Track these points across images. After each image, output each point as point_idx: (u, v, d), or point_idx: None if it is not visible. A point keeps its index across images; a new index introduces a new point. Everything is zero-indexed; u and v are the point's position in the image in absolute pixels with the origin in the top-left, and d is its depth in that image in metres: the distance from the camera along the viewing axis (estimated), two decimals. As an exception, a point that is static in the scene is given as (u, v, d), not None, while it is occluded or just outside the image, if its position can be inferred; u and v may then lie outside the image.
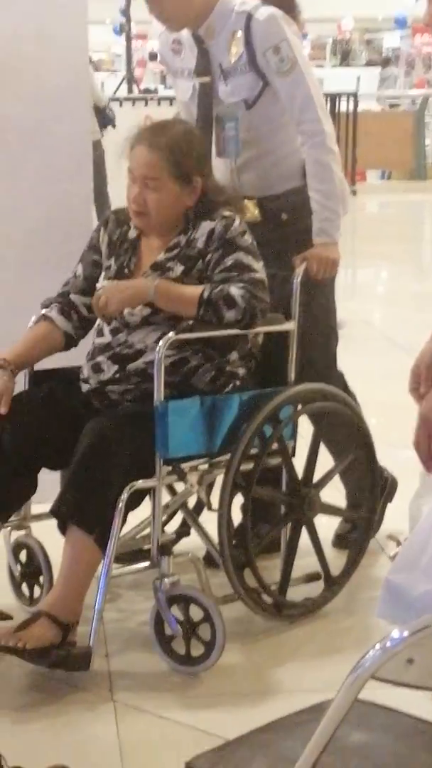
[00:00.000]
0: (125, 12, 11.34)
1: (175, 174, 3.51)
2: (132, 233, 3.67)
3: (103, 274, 3.65)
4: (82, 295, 3.68)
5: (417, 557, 2.70)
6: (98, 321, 3.63)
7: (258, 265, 3.57)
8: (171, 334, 3.40)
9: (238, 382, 3.60)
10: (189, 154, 3.56)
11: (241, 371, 3.61)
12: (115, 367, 3.50)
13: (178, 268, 3.53)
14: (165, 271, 3.54)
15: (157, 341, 3.40)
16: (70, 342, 3.71)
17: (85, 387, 3.55)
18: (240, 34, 3.86)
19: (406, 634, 1.76)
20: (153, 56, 13.05)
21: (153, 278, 3.51)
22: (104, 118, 9.99)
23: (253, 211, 3.99)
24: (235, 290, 3.46)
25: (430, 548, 2.68)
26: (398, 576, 2.72)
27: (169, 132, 3.58)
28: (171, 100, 8.41)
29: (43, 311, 3.64)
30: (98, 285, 3.63)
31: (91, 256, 3.72)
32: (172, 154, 3.51)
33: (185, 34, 4.01)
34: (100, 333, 3.60)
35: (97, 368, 3.54)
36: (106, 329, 3.58)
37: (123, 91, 11.03)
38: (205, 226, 3.56)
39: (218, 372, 3.56)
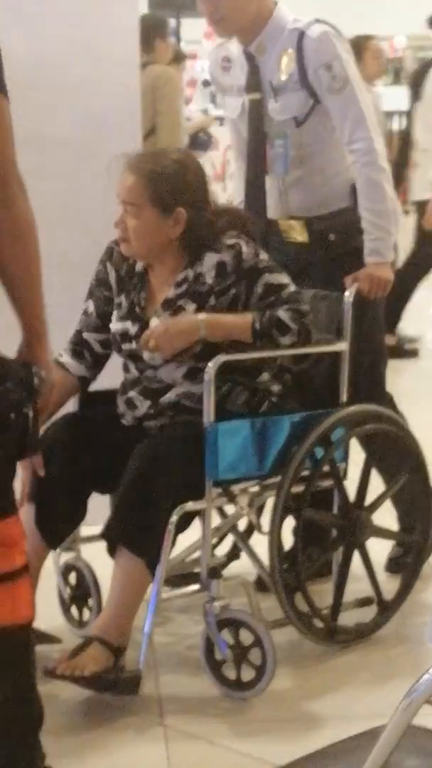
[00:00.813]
0: (176, 32, 11.38)
1: (154, 202, 3.46)
2: (139, 266, 3.63)
3: (115, 312, 3.62)
4: (95, 333, 3.66)
5: None
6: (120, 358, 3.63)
7: (285, 277, 3.57)
8: (221, 355, 3.38)
9: (274, 399, 3.59)
10: (173, 183, 3.49)
11: (276, 388, 3.60)
12: (148, 402, 3.50)
13: (190, 307, 3.50)
14: (177, 309, 3.51)
15: (185, 375, 3.45)
16: (85, 384, 3.70)
17: (123, 421, 3.57)
18: (292, 51, 3.86)
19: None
20: (206, 83, 13.11)
21: (198, 313, 3.48)
22: (195, 142, 9.93)
23: (299, 231, 3.99)
24: (283, 314, 3.45)
25: None
26: None
27: (157, 159, 3.54)
28: (221, 119, 8.40)
29: (56, 356, 3.57)
30: (114, 325, 3.60)
31: (102, 292, 3.68)
32: (152, 181, 3.45)
33: (235, 51, 4.02)
34: (126, 368, 3.60)
35: (130, 404, 3.54)
36: (132, 365, 3.58)
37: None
38: (211, 258, 3.51)
39: (252, 393, 3.55)
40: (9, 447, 2.42)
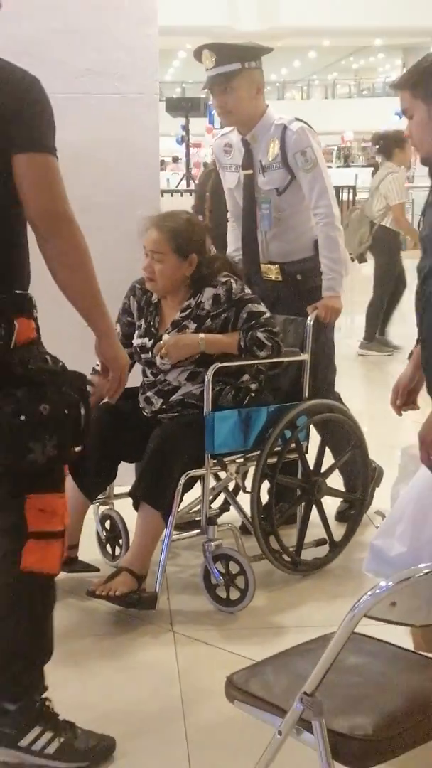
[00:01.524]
0: (185, 127, 11.39)
1: (175, 250, 3.48)
2: (154, 298, 3.62)
3: (136, 332, 3.63)
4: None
5: (393, 527, 2.68)
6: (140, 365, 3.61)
7: (262, 306, 3.57)
8: (216, 363, 3.40)
9: (253, 394, 3.59)
10: (188, 237, 3.50)
11: (254, 386, 3.60)
12: (161, 401, 3.50)
13: (192, 326, 3.51)
14: (182, 328, 3.52)
15: (188, 378, 3.46)
16: None
17: (144, 413, 3.56)
18: (277, 140, 3.88)
19: (390, 583, 1.76)
20: (205, 164, 13.06)
21: (199, 335, 3.48)
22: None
23: (275, 273, 4.01)
24: (260, 334, 3.47)
25: (403, 521, 2.66)
26: (380, 541, 2.70)
27: (175, 219, 3.53)
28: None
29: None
30: (136, 341, 3.60)
31: (126, 318, 3.67)
32: (173, 235, 3.47)
33: (235, 139, 4.03)
34: (144, 374, 3.59)
35: (148, 401, 3.54)
36: (148, 371, 3.58)
37: (183, 185, 11.03)
38: (209, 291, 3.52)
39: (236, 391, 3.54)
40: (63, 436, 2.34)
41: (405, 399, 2.84)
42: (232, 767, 2.42)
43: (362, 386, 7.12)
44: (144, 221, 3.53)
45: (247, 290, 3.59)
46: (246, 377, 3.56)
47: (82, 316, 2.43)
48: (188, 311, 3.53)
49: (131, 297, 3.68)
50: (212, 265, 3.59)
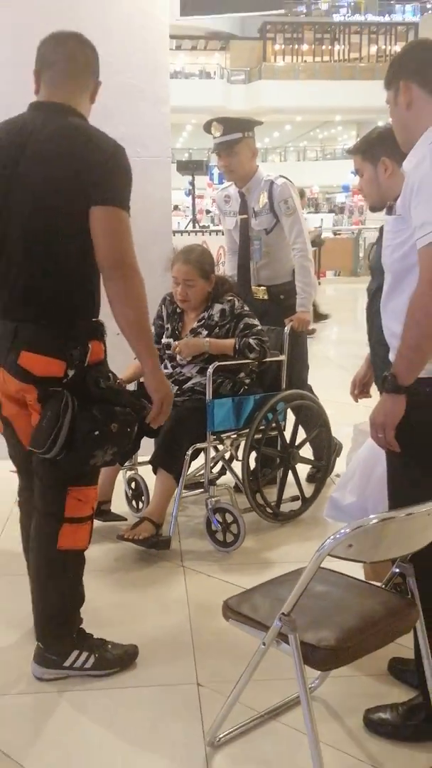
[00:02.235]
0: (191, 183, 11.40)
1: (201, 275, 3.51)
2: (179, 309, 3.64)
3: (165, 333, 3.63)
4: (156, 345, 3.63)
5: (346, 484, 2.69)
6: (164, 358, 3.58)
7: (256, 320, 3.57)
8: (216, 362, 3.39)
9: (246, 387, 3.58)
10: (207, 262, 3.55)
11: (247, 381, 3.58)
12: (176, 387, 3.47)
13: (204, 332, 3.52)
14: (197, 333, 3.53)
15: (198, 371, 3.45)
16: None
17: None
18: (265, 192, 3.89)
19: (348, 530, 1.75)
20: (208, 211, 13.05)
21: (206, 339, 3.49)
22: None
23: (263, 293, 4.01)
24: (252, 341, 3.47)
25: (353, 479, 2.67)
26: (336, 494, 2.71)
27: (195, 252, 3.55)
28: (218, 231, 8.38)
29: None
30: (163, 340, 3.59)
31: (158, 322, 3.66)
32: (199, 265, 3.50)
33: (233, 191, 4.04)
34: (165, 366, 3.56)
35: None
36: (169, 364, 3.57)
37: (190, 227, 11.00)
38: (217, 306, 3.54)
39: (234, 383, 3.53)
40: (121, 447, 2.28)
41: (360, 389, 2.85)
42: (228, 669, 2.41)
43: (330, 380, 7.11)
44: (172, 258, 3.57)
45: (246, 307, 3.60)
46: (242, 374, 3.55)
47: (133, 351, 2.29)
48: (202, 321, 3.55)
49: (162, 306, 3.70)
50: (223, 286, 3.62)
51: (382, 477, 2.57)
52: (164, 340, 3.60)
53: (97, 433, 2.19)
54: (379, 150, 2.71)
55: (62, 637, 2.42)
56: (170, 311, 3.66)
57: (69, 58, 2.27)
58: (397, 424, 1.99)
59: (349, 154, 2.90)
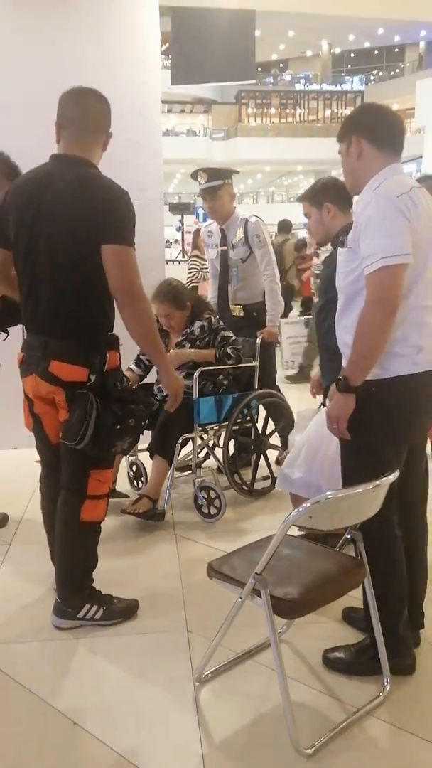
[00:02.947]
0: (181, 221, 11.37)
1: (177, 308, 3.47)
2: (163, 329, 3.56)
3: None
4: (145, 355, 3.57)
5: (294, 461, 2.69)
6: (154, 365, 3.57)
7: (230, 332, 3.55)
8: (200, 368, 3.37)
9: (224, 387, 3.55)
10: (178, 295, 3.48)
11: (226, 382, 3.56)
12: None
13: (187, 345, 3.49)
14: (182, 346, 3.49)
15: (185, 377, 3.39)
16: (141, 378, 3.59)
17: (157, 397, 3.50)
18: (241, 229, 3.88)
19: (309, 504, 1.75)
20: (194, 245, 13.01)
21: (191, 350, 3.46)
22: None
23: (239, 311, 3.99)
24: (229, 350, 3.46)
25: (300, 457, 2.67)
26: (286, 469, 2.71)
27: (166, 289, 3.47)
28: (203, 260, 8.35)
29: (129, 365, 3.52)
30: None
31: None
32: (172, 300, 3.45)
33: (215, 228, 4.02)
34: (158, 373, 3.54)
35: (160, 390, 3.48)
36: None
37: (180, 256, 10.96)
38: (197, 323, 3.51)
39: (215, 385, 3.51)
40: (136, 437, 2.31)
41: (318, 387, 2.86)
42: (212, 619, 2.40)
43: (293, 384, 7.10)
44: (151, 299, 3.46)
45: (221, 323, 3.57)
46: (221, 377, 3.53)
47: (148, 356, 2.35)
48: (185, 336, 3.52)
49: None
50: (200, 306, 3.57)
51: (324, 457, 2.59)
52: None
53: (118, 427, 2.22)
54: (323, 196, 2.75)
55: (77, 593, 2.40)
56: (158, 329, 3.63)
57: (86, 117, 2.23)
58: (348, 417, 2.00)
59: (299, 201, 2.93)
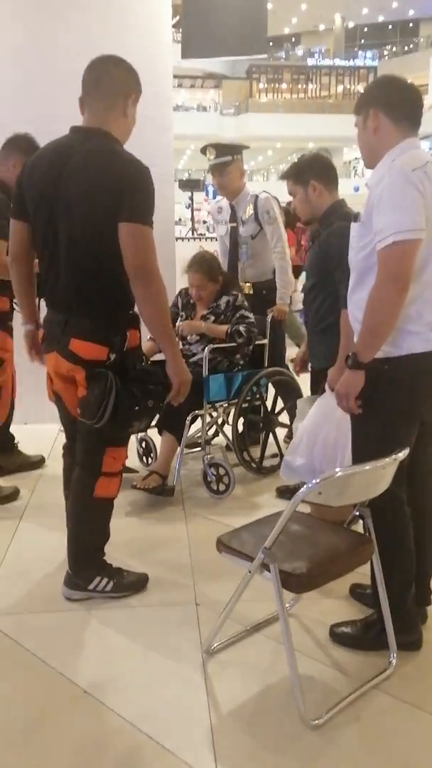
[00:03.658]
0: (191, 198, 11.28)
1: (210, 280, 3.48)
2: (192, 301, 3.60)
3: (179, 318, 3.60)
4: None
5: (296, 448, 2.68)
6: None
7: (250, 313, 3.52)
8: (210, 345, 3.36)
9: (240, 366, 3.55)
10: (213, 267, 3.51)
11: (242, 362, 3.55)
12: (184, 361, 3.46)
13: (211, 318, 3.49)
14: (206, 319, 3.50)
15: (202, 349, 3.38)
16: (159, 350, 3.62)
17: None
18: (251, 205, 3.84)
19: (318, 480, 1.75)
20: (204, 222, 12.87)
21: (203, 322, 3.48)
22: None
23: (249, 289, 3.97)
24: (242, 328, 3.44)
25: (302, 444, 2.66)
26: (289, 457, 2.70)
27: (203, 259, 3.52)
28: (213, 238, 8.30)
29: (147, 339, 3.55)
30: (177, 323, 3.56)
31: (174, 310, 3.63)
32: (207, 272, 3.48)
33: (225, 204, 3.98)
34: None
35: None
36: (181, 343, 3.53)
37: (189, 234, 10.89)
38: (224, 299, 3.51)
39: (230, 363, 3.50)
40: (152, 417, 2.28)
41: (301, 366, 3.06)
42: (220, 592, 2.42)
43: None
44: (185, 268, 3.54)
45: (245, 303, 3.55)
46: (238, 356, 3.51)
47: (157, 340, 2.26)
48: (211, 310, 3.53)
49: (179, 297, 3.68)
50: (230, 283, 3.61)
51: (325, 442, 2.58)
52: (179, 324, 3.58)
53: (137, 408, 2.21)
54: (308, 174, 2.72)
55: (89, 566, 2.42)
56: (185, 302, 3.64)
57: (99, 82, 2.19)
58: (357, 393, 1.99)
59: (282, 179, 2.89)
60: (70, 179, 2.12)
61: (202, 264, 3.49)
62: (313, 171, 2.69)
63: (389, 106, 1.97)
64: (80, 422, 2.27)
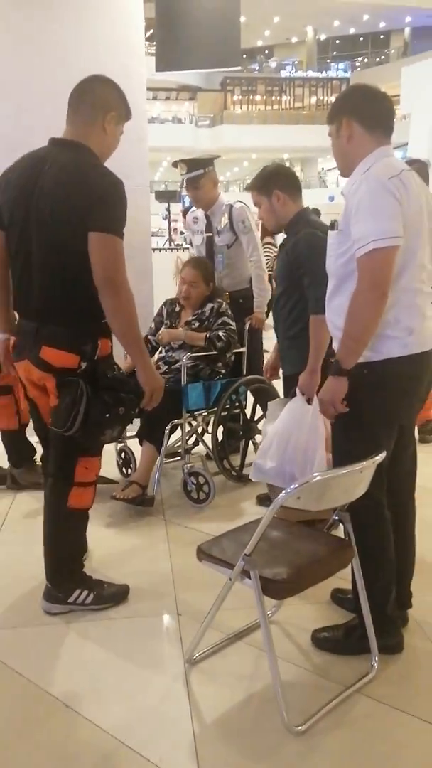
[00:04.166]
0: (167, 209, 11.33)
1: (204, 280, 3.52)
2: (177, 308, 3.61)
3: (163, 326, 3.61)
4: (152, 336, 3.63)
5: (266, 451, 2.69)
6: (159, 346, 3.60)
7: (231, 320, 3.53)
8: (189, 354, 3.37)
9: (221, 374, 3.55)
10: (210, 272, 3.57)
11: (223, 370, 3.56)
12: (166, 367, 3.46)
13: (196, 324, 3.50)
14: (191, 324, 3.51)
15: (185, 356, 3.38)
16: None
17: None
18: (226, 214, 3.84)
19: (295, 486, 1.75)
20: (181, 232, 12.94)
21: (183, 330, 3.48)
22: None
23: (226, 298, 3.97)
24: (222, 333, 3.44)
25: (272, 447, 2.67)
26: (259, 460, 2.70)
27: (202, 260, 3.62)
28: (188, 248, 8.32)
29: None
30: (159, 331, 3.58)
31: (158, 319, 3.65)
32: (204, 272, 3.53)
33: (200, 214, 3.97)
34: (159, 351, 3.58)
35: (158, 368, 3.49)
36: (163, 350, 3.56)
37: (166, 245, 10.92)
38: (209, 306, 3.52)
39: (211, 371, 3.51)
40: (124, 426, 2.26)
41: (271, 373, 3.08)
42: (202, 601, 2.41)
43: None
44: (182, 263, 3.61)
45: (229, 311, 3.57)
46: (219, 364, 3.52)
47: (126, 351, 2.24)
48: (197, 315, 3.54)
49: (163, 307, 3.70)
50: (218, 292, 3.64)
51: (296, 446, 2.59)
52: (160, 332, 3.60)
53: (108, 415, 2.19)
54: (272, 184, 2.75)
55: (67, 578, 2.40)
56: (170, 310, 3.65)
57: (79, 96, 2.23)
58: (341, 400, 2.00)
59: (246, 190, 2.92)
60: (44, 189, 2.14)
61: (200, 263, 3.57)
62: (277, 181, 2.73)
63: (362, 114, 2.00)
64: (52, 431, 2.26)
